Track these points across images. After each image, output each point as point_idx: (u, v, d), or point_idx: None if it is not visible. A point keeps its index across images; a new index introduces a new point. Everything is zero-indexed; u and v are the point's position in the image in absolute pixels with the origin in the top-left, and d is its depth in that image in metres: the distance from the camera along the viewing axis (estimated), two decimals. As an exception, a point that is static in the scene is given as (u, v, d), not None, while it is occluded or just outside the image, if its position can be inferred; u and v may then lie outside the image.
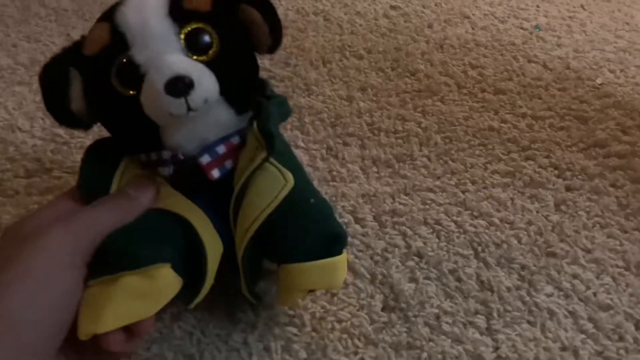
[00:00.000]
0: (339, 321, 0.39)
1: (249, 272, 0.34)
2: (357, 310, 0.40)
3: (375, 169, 0.52)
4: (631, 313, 0.39)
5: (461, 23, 0.76)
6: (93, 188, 0.33)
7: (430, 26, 0.75)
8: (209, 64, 0.31)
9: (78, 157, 0.53)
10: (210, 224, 0.33)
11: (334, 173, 0.51)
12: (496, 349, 0.38)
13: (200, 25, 0.31)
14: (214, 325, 0.38)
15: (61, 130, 0.56)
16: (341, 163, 0.53)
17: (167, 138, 0.32)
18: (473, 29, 0.75)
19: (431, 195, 0.49)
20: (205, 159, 0.33)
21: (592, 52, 0.70)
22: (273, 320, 0.39)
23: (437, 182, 0.50)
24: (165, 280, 0.30)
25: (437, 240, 0.45)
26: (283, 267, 0.34)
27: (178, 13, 0.31)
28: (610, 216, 0.47)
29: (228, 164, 0.34)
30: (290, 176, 0.33)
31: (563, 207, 0.48)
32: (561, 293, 0.41)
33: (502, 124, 0.57)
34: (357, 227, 0.46)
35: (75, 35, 0.72)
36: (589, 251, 0.44)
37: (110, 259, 0.30)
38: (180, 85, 0.29)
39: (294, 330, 0.38)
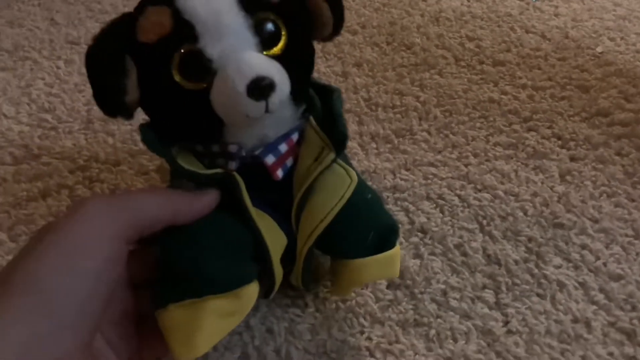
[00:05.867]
0: (343, 301, 0.38)
1: (307, 266, 0.33)
2: (362, 289, 0.38)
3: (374, 145, 0.50)
4: (643, 282, 0.38)
5: (456, -5, 0.74)
6: None
7: (424, -1, 0.73)
8: (277, 59, 0.29)
9: (67, 142, 0.51)
10: (272, 221, 0.32)
11: (332, 150, 0.50)
12: (506, 323, 0.36)
13: (270, 16, 0.29)
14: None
15: (48, 115, 0.54)
16: (339, 140, 0.51)
17: (229, 135, 0.30)
18: (468, 1, 0.73)
19: (433, 169, 0.48)
20: (270, 159, 0.31)
21: (591, 21, 0.68)
22: (275, 302, 0.37)
23: (439, 157, 0.49)
24: (252, 296, 0.29)
25: (440, 215, 0.44)
26: (344, 262, 0.33)
27: (249, 2, 0.28)
28: (617, 185, 0.46)
29: (289, 162, 0.32)
30: (354, 174, 0.32)
31: (568, 178, 0.47)
32: (570, 264, 0.40)
33: (503, 96, 0.56)
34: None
35: (60, 19, 0.69)
36: (596, 221, 0.43)
37: (190, 279, 0.28)
38: (263, 88, 0.27)
39: (297, 311, 0.37)
